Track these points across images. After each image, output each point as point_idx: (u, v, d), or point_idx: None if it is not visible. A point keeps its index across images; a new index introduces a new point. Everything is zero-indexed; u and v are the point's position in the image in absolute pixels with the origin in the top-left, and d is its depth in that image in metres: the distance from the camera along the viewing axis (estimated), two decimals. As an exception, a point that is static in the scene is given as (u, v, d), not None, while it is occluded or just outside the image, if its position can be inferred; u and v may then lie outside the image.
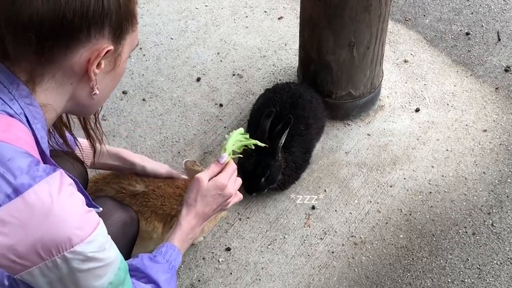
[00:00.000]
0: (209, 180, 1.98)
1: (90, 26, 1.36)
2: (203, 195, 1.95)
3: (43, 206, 1.26)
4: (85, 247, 1.31)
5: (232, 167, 2.03)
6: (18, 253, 1.26)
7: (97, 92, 1.50)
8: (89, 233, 1.33)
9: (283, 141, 2.70)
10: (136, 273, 1.76)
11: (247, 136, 2.17)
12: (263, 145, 2.29)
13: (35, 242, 1.26)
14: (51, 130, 1.76)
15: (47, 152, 1.49)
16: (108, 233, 1.47)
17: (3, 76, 1.38)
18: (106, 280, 1.41)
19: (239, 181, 2.06)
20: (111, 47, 1.43)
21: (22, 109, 1.38)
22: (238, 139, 2.14)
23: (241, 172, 2.56)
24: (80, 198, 1.36)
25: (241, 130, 2.18)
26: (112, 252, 1.43)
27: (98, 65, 1.44)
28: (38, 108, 1.41)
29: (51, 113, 1.47)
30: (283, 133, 2.67)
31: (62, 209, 1.28)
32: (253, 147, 2.20)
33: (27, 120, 1.39)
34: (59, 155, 1.91)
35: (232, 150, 2.08)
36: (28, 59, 1.37)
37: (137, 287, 1.71)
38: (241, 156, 2.17)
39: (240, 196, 2.09)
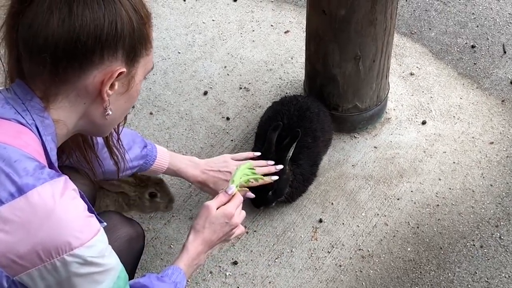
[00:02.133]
0: (217, 209, 2.00)
1: (104, 49, 1.40)
2: (212, 222, 1.98)
3: (45, 207, 1.28)
4: (84, 251, 1.32)
5: (239, 198, 2.08)
6: (19, 253, 1.26)
7: (110, 112, 1.52)
8: (89, 238, 1.33)
9: (290, 155, 2.66)
10: None
11: (255, 171, 2.34)
12: (268, 181, 2.46)
13: (35, 243, 1.26)
14: (73, 148, 1.82)
15: (56, 165, 1.51)
16: (114, 248, 1.48)
17: (19, 89, 1.43)
18: (105, 287, 1.40)
19: (243, 213, 2.10)
20: (124, 69, 1.45)
21: (34, 120, 1.41)
22: (245, 173, 2.26)
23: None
24: (82, 204, 1.38)
25: (249, 164, 2.33)
26: (111, 260, 1.43)
27: (111, 86, 1.46)
28: (50, 121, 1.44)
29: (62, 128, 1.49)
30: (291, 146, 2.63)
31: (63, 211, 1.30)
32: (259, 182, 2.37)
33: (38, 131, 1.42)
34: (70, 173, 1.93)
35: (239, 183, 2.16)
36: (43, 79, 1.41)
37: None
38: (247, 189, 2.29)
39: (242, 229, 2.12)
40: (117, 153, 1.93)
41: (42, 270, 1.29)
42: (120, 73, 1.45)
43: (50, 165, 1.47)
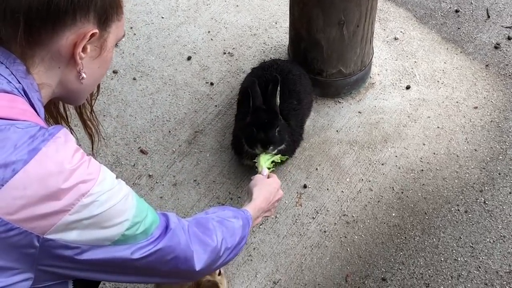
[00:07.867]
0: None
1: (76, 10, 1.37)
2: (268, 184, 2.16)
3: (54, 162, 1.28)
4: (97, 188, 1.33)
5: (276, 177, 2.29)
6: (42, 211, 1.26)
7: (84, 76, 1.50)
8: (98, 174, 1.35)
9: (278, 100, 2.55)
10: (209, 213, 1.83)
11: (271, 154, 2.49)
12: (285, 157, 2.60)
13: (53, 196, 1.26)
14: (47, 117, 1.76)
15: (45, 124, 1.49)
16: None
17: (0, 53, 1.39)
18: (130, 214, 1.41)
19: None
20: (96, 31, 1.42)
21: (20, 83, 1.39)
22: (267, 158, 2.43)
23: (255, 129, 2.51)
24: (81, 151, 1.38)
25: (264, 153, 2.46)
26: (124, 188, 1.43)
27: (84, 49, 1.44)
28: (33, 81, 1.42)
29: (46, 90, 1.47)
30: (276, 92, 2.52)
31: (70, 162, 1.30)
32: (279, 161, 2.51)
33: (25, 93, 1.40)
34: None
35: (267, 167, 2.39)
36: (18, 42, 1.37)
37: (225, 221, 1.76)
38: (274, 169, 2.47)
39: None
40: (91, 125, 1.88)
41: (68, 219, 1.28)
42: (92, 35, 1.41)
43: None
